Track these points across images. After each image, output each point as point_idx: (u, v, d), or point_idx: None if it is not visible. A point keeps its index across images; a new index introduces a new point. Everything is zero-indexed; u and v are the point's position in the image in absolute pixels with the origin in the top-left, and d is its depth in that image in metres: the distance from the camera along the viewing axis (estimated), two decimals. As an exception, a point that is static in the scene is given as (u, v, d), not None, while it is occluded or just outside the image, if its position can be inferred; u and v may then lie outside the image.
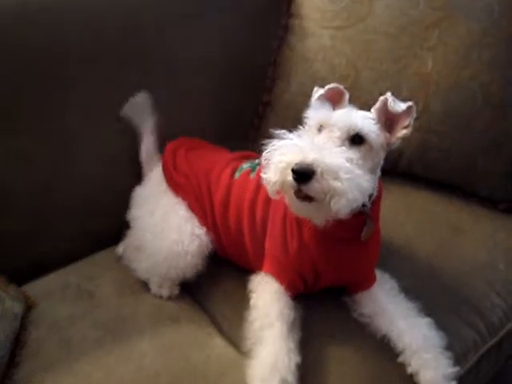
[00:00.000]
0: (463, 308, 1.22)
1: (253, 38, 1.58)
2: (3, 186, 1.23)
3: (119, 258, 1.32)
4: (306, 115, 1.07)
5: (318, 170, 0.88)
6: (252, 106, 1.65)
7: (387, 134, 1.03)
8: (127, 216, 1.31)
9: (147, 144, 1.39)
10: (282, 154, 0.94)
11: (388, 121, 1.03)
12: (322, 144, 0.95)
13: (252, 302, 1.10)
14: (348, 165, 0.92)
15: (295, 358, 1.00)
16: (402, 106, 1.01)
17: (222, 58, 1.51)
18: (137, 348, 1.09)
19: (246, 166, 1.25)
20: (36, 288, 1.23)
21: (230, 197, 1.22)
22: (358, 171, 0.93)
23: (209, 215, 1.24)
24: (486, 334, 1.21)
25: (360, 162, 0.96)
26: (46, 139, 1.25)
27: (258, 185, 1.18)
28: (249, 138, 1.65)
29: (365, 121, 1.00)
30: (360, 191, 0.93)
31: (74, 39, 1.24)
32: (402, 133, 1.02)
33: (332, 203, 0.89)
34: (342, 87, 1.10)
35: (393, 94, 1.02)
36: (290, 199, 0.97)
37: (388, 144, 1.03)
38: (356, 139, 0.98)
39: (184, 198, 1.26)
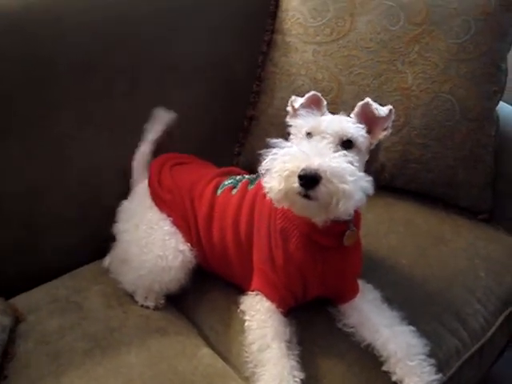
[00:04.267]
0: (445, 315, 1.23)
1: (237, 53, 1.59)
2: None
3: (106, 271, 1.31)
4: (291, 123, 1.10)
5: (325, 175, 0.91)
6: (237, 120, 1.65)
7: (368, 137, 1.07)
8: (113, 229, 1.31)
9: (143, 152, 1.39)
10: (284, 162, 0.95)
11: (367, 124, 1.07)
12: (322, 149, 0.97)
13: (246, 324, 1.10)
14: (352, 167, 0.95)
15: (299, 375, 1.01)
16: (384, 110, 1.06)
17: (207, 74, 1.52)
18: (125, 360, 1.09)
19: (227, 182, 1.26)
20: (24, 301, 1.21)
21: (213, 213, 1.22)
22: (360, 173, 0.97)
23: (193, 230, 1.25)
24: (467, 341, 1.23)
25: (355, 164, 0.98)
26: (34, 146, 1.25)
27: (241, 201, 1.20)
28: (233, 153, 1.67)
29: (354, 126, 1.04)
30: (363, 191, 0.96)
31: (65, 49, 1.24)
32: (382, 134, 1.07)
33: (340, 205, 0.92)
34: (319, 94, 1.13)
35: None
36: (292, 202, 0.98)
37: (370, 145, 1.08)
38: (346, 144, 1.02)
39: (169, 214, 1.26)
